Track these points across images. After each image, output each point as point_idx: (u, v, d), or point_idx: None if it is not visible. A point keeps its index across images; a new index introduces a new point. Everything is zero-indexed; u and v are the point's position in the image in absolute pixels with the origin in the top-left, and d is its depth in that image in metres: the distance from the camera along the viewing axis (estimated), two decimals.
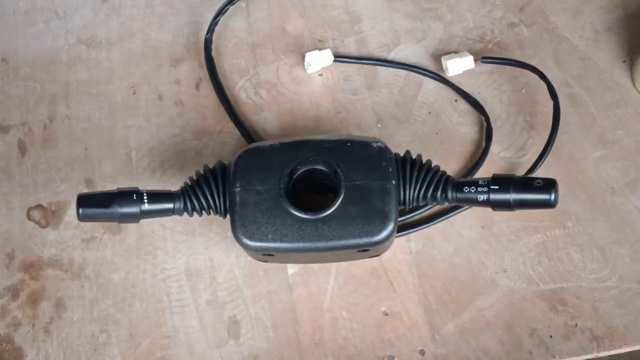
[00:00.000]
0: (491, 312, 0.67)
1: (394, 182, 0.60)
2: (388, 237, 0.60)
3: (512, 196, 0.59)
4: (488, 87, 0.81)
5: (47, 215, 0.72)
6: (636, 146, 0.77)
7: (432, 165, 0.64)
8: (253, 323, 0.66)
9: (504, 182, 0.59)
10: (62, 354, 0.65)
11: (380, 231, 0.59)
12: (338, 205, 0.59)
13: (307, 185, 0.65)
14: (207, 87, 0.81)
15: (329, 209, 0.59)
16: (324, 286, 0.68)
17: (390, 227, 0.59)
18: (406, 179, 0.62)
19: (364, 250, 0.61)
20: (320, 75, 0.82)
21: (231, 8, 0.86)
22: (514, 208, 0.60)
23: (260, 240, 0.59)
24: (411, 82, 0.82)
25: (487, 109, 0.79)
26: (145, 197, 0.60)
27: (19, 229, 0.71)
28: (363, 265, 0.69)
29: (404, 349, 0.66)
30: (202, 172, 0.64)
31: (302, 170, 0.62)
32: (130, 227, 0.70)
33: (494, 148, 0.77)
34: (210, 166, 0.64)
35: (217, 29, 0.84)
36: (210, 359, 0.65)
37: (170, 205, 0.61)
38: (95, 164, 0.75)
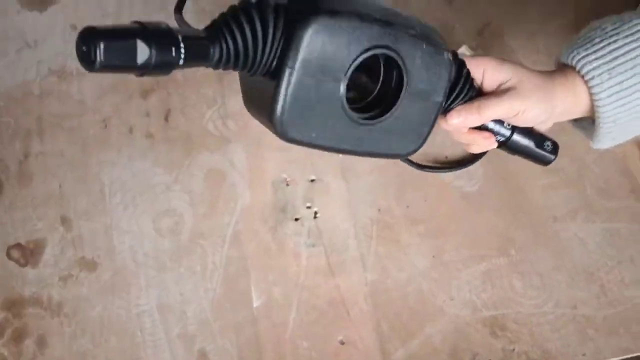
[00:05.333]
0: (438, 338, 0.74)
1: (441, 100, 0.53)
2: (415, 152, 0.56)
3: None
4: None
5: (26, 254, 0.76)
6: (579, 173, 0.83)
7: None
8: (220, 355, 0.72)
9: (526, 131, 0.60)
10: None
11: (412, 149, 0.55)
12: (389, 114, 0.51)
13: None
14: (177, 118, 0.84)
15: (383, 118, 0.51)
16: (287, 317, 0.74)
17: (421, 144, 0.55)
18: (452, 93, 0.55)
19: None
20: None
21: None
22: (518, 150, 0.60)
23: (302, 136, 0.48)
24: None
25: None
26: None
27: (0, 268, 0.76)
28: (322, 296, 0.75)
29: None
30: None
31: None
32: (105, 264, 0.75)
33: (446, 177, 0.82)
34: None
35: None
36: None
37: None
38: (70, 200, 0.79)
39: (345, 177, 0.81)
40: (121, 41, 0.36)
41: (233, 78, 0.88)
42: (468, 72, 0.55)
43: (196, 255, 0.76)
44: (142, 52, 0.36)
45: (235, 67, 0.44)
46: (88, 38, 0.35)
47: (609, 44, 0.55)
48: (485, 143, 0.58)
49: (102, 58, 0.35)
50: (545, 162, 0.61)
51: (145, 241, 0.77)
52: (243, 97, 0.51)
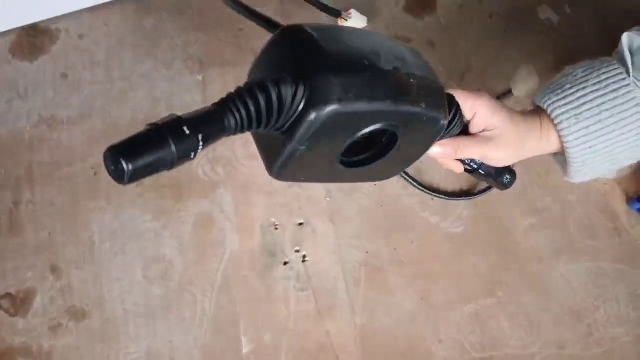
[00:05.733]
0: None
1: (428, 146, 0.55)
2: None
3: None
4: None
5: (16, 304, 0.76)
6: (562, 213, 0.85)
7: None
8: None
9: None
10: None
11: (391, 177, 0.58)
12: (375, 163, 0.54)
13: None
14: None
15: (369, 165, 0.53)
16: None
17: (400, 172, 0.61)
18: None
19: None
20: None
21: (188, 82, 0.91)
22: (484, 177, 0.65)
23: (293, 179, 0.52)
24: None
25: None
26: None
27: None
28: (312, 340, 0.75)
29: None
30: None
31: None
32: (95, 312, 0.75)
33: (432, 219, 0.84)
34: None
35: (174, 103, 0.89)
36: None
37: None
38: (60, 249, 0.79)
39: (333, 221, 0.83)
40: (146, 158, 0.38)
41: None
42: (461, 117, 0.57)
43: (186, 301, 0.77)
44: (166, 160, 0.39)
45: (249, 131, 0.46)
46: (114, 159, 0.38)
47: (578, 90, 0.58)
48: (454, 168, 0.62)
49: (129, 177, 0.38)
50: (503, 188, 0.66)
51: (135, 289, 0.77)
52: None
